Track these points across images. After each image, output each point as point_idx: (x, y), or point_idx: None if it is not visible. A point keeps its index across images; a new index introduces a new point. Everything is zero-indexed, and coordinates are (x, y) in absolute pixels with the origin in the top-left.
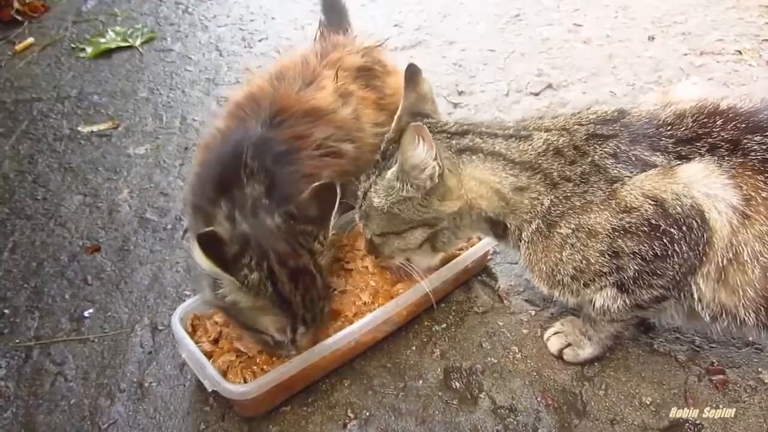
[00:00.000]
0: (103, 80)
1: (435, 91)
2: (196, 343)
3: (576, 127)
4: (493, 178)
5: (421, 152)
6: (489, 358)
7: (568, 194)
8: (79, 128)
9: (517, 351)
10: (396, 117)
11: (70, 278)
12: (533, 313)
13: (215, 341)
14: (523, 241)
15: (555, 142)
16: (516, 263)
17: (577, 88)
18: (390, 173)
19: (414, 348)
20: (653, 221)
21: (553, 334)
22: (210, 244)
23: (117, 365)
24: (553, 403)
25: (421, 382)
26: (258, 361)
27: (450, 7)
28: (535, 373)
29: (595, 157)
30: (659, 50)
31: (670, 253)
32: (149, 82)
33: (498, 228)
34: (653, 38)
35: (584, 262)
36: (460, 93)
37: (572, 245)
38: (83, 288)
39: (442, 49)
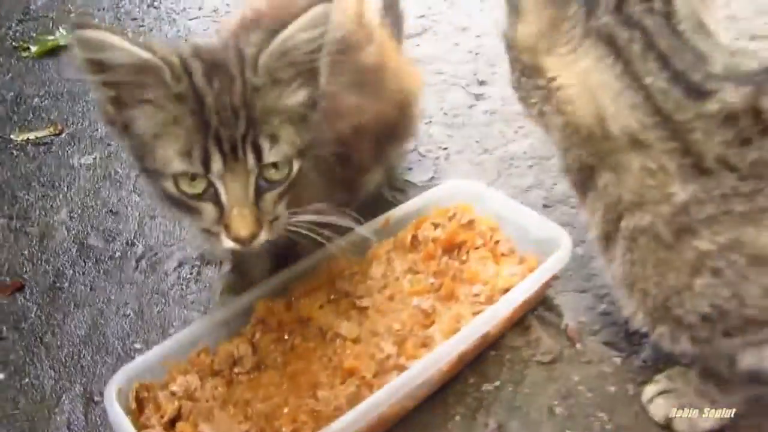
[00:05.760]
0: (47, 81)
1: (451, 81)
2: (143, 428)
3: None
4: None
5: None
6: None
7: (727, 192)
8: (11, 137)
9: (606, 419)
10: None
11: None
12: (618, 361)
13: (171, 424)
14: (621, 233)
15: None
16: (585, 291)
17: None
18: None
19: (458, 418)
20: None
21: (658, 393)
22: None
23: None
24: None
25: None
26: None
27: None
28: None
29: None
30: None
31: None
32: None
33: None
34: None
35: (734, 301)
36: (481, 83)
37: (716, 272)
38: None
39: (455, 35)
